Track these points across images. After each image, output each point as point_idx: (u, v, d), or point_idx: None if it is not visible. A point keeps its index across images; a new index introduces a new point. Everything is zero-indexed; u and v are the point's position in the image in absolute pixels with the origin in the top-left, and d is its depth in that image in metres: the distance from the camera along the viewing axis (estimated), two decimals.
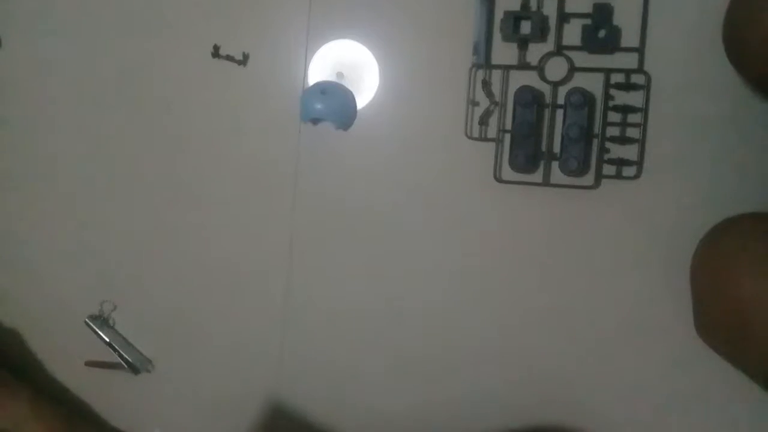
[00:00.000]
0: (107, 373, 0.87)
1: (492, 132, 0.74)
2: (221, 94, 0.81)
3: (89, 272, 0.87)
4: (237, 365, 0.84)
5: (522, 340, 0.75)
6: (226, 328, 0.83)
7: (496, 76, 0.73)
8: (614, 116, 0.70)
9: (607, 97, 0.70)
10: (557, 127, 0.71)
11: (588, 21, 0.70)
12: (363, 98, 0.77)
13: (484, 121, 0.74)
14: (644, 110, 0.69)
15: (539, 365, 0.75)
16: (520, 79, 0.72)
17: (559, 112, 0.71)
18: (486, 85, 0.73)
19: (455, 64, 0.74)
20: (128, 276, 0.86)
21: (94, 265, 0.87)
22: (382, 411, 0.80)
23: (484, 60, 0.73)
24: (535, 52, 0.72)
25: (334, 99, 0.76)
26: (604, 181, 0.71)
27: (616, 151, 0.71)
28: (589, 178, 0.71)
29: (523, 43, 0.72)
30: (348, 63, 0.78)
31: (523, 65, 0.72)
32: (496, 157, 0.73)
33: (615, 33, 0.69)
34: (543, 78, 0.72)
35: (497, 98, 0.73)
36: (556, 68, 0.71)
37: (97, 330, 0.85)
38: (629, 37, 0.69)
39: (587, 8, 0.70)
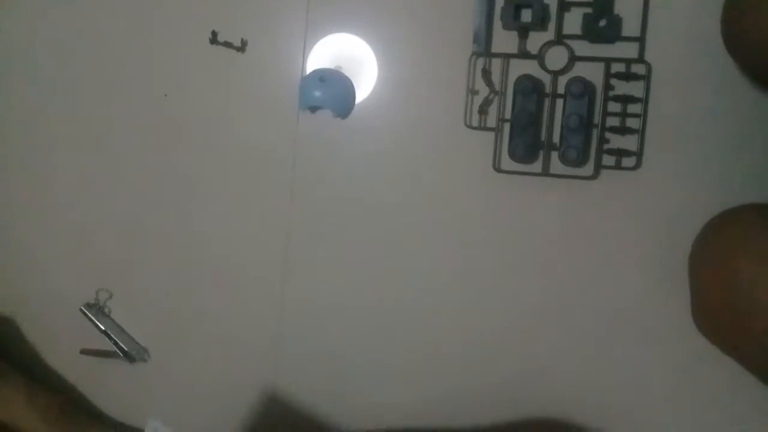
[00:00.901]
0: (102, 361, 0.86)
1: (491, 121, 0.73)
2: (219, 81, 0.80)
3: (85, 260, 0.87)
4: (233, 355, 0.83)
5: (520, 329, 0.75)
6: (223, 318, 0.83)
7: (496, 64, 0.73)
8: (614, 106, 0.70)
9: (608, 86, 0.69)
10: (557, 116, 0.71)
11: (589, 10, 0.69)
12: (362, 88, 0.77)
13: (483, 110, 0.73)
14: (644, 100, 0.69)
15: (537, 355, 0.74)
16: (520, 67, 0.71)
17: (559, 102, 0.71)
18: (486, 73, 0.73)
19: (455, 52, 0.73)
20: (124, 264, 0.85)
21: (90, 253, 0.86)
22: (378, 403, 0.79)
23: (484, 48, 0.72)
24: (536, 40, 0.71)
25: (333, 87, 0.76)
26: (603, 171, 0.71)
27: (616, 141, 0.70)
28: (588, 169, 0.71)
29: (523, 32, 0.71)
30: (346, 54, 0.77)
31: (523, 54, 0.72)
32: (495, 146, 0.73)
33: (616, 22, 0.69)
34: (543, 67, 0.71)
35: (497, 87, 0.72)
36: (557, 57, 0.71)
37: (93, 318, 0.85)
38: (630, 27, 0.69)
39: None
